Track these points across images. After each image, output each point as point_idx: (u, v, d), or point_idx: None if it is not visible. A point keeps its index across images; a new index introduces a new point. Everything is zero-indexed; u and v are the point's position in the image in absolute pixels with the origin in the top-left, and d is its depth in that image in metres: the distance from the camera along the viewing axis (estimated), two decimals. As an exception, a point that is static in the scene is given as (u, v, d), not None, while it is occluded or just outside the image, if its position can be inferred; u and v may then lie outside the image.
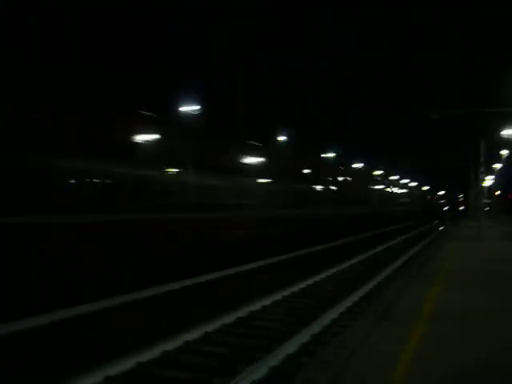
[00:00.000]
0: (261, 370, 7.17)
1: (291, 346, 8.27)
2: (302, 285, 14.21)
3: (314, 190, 30.04)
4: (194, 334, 8.89)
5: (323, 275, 16.04)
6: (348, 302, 11.98)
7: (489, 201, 75.85)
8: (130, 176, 13.78)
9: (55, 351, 8.15)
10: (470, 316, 8.44)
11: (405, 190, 73.10)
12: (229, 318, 10.11)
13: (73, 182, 12.28)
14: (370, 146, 72.09)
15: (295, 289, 13.59)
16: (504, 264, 16.05)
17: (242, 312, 10.69)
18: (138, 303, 11.66)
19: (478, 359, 6.26)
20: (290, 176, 25.32)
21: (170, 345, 8.25)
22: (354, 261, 20.09)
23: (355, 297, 12.71)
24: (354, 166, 46.44)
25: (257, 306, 11.34)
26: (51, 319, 9.63)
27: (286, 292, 13.02)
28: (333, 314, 10.72)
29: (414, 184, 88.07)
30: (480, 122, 41.66)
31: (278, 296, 12.46)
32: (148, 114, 15.09)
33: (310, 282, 14.78)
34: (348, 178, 39.48)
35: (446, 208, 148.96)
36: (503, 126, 32.57)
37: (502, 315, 8.57)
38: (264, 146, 23.25)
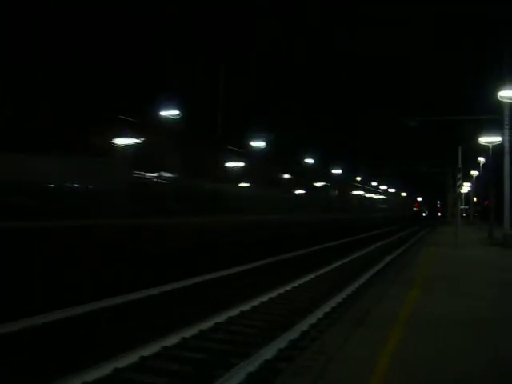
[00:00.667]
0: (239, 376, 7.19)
1: (269, 352, 8.28)
2: (281, 290, 14.22)
3: (293, 194, 29.93)
4: (173, 340, 8.87)
5: (301, 281, 16.07)
6: (326, 308, 12.02)
7: (466, 207, 76.78)
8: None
9: (30, 357, 8.06)
10: (447, 323, 8.54)
11: (384, 196, 73.67)
12: (206, 324, 10.09)
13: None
14: (350, 150, 72.48)
15: (274, 294, 13.60)
16: (480, 269, 16.26)
17: (221, 317, 10.68)
18: (114, 308, 11.58)
19: (454, 365, 6.34)
20: (266, 181, 24.99)
21: (148, 350, 8.21)
22: (332, 266, 20.12)
23: (333, 302, 12.75)
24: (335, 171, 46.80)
25: (235, 311, 11.34)
26: (27, 324, 9.54)
27: (264, 298, 13.04)
28: (311, 319, 10.75)
29: (393, 190, 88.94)
30: (459, 129, 42.15)
31: (256, 301, 12.46)
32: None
33: (288, 287, 14.80)
34: (329, 185, 39.56)
35: (424, 214, 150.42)
36: (481, 133, 33.05)
37: (478, 322, 8.67)
38: (241, 152, 23.12)
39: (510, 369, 6.29)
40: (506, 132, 24.94)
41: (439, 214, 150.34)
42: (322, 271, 18.49)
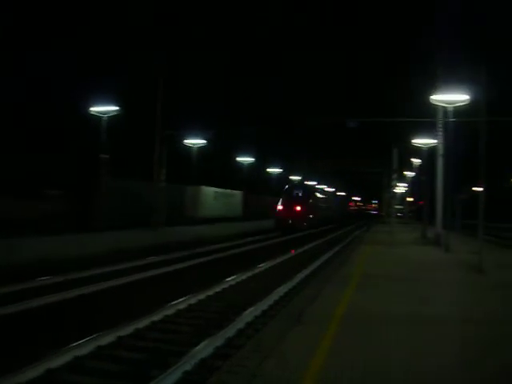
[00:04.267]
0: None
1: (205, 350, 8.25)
2: (217, 288, 14.23)
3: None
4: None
5: (238, 279, 16.08)
6: (263, 306, 12.05)
7: (401, 207, 78.60)
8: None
9: None
10: (382, 320, 8.75)
11: (324, 196, 74.70)
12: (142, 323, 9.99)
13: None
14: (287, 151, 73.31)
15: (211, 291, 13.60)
16: (413, 268, 16.70)
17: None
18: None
19: (387, 363, 6.48)
20: None
21: (84, 349, 8.07)
22: (271, 264, 20.24)
23: (270, 300, 12.80)
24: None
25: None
26: None
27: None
28: (248, 317, 10.76)
29: (331, 190, 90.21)
30: (395, 131, 43.06)
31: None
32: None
33: (225, 285, 14.80)
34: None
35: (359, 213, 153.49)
36: (416, 134, 33.86)
37: (410, 318, 8.90)
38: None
39: (434, 362, 6.49)
40: (440, 135, 25.68)
41: (375, 212, 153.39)
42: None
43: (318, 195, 62.38)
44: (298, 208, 46.68)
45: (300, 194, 49.90)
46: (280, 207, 47.07)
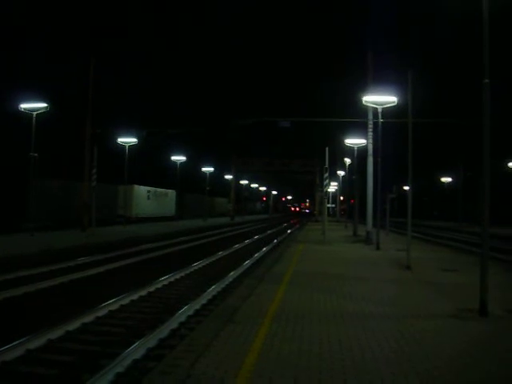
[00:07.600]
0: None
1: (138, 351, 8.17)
2: (151, 288, 14.10)
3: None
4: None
5: (171, 278, 16.00)
6: (196, 305, 12.04)
7: (333, 205, 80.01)
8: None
9: None
10: (313, 317, 8.91)
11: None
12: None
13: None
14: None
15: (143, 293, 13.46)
16: (344, 265, 17.05)
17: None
18: None
19: (321, 360, 6.61)
20: None
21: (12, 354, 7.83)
22: (205, 263, 20.23)
23: (204, 299, 12.80)
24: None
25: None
26: None
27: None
28: (181, 317, 10.72)
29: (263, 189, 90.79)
30: (328, 130, 43.85)
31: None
32: None
33: (158, 285, 14.70)
34: None
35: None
36: (349, 134, 34.55)
37: (339, 316, 9.11)
38: None
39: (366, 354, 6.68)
40: (370, 135, 26.29)
41: (308, 211, 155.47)
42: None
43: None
44: (307, 210, 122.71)
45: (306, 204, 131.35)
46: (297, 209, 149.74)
